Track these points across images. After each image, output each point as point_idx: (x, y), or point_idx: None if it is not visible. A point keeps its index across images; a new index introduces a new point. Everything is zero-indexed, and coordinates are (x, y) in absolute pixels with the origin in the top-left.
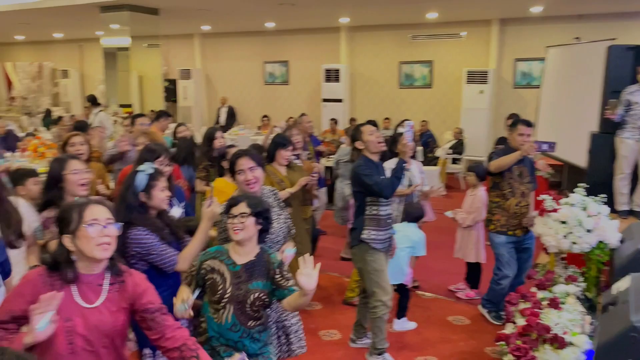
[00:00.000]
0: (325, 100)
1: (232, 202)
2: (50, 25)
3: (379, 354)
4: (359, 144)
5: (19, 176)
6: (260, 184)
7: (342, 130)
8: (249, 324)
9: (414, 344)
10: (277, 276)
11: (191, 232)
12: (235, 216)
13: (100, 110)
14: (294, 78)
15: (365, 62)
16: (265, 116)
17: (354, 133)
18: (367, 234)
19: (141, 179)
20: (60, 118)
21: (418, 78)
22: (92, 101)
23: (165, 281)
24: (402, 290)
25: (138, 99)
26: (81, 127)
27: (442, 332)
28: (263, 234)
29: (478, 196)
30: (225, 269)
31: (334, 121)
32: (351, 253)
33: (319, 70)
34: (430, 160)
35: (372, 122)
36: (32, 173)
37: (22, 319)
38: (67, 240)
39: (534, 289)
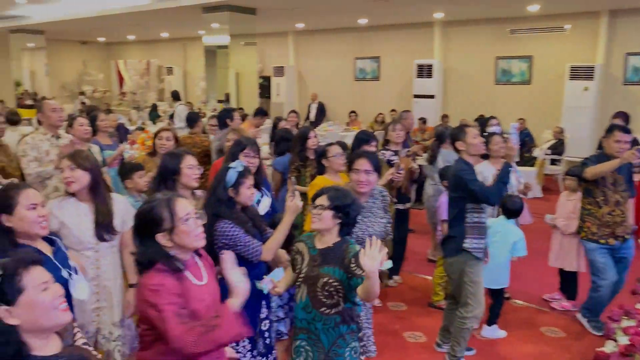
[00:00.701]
0: (417, 96)
1: (318, 193)
2: (158, 25)
3: None
4: (459, 145)
5: (126, 170)
6: (370, 188)
7: (431, 127)
8: (321, 309)
9: (503, 353)
10: (352, 265)
11: (275, 226)
12: (316, 207)
13: (180, 104)
14: (385, 74)
15: (460, 57)
16: (352, 112)
17: (457, 132)
18: (469, 242)
19: (231, 176)
20: (171, 116)
21: (516, 74)
22: (175, 96)
23: (251, 271)
24: (496, 296)
25: (235, 95)
26: (192, 119)
27: (533, 343)
28: (345, 227)
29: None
30: (306, 251)
31: (423, 120)
32: (446, 263)
33: (411, 66)
34: (527, 160)
35: (481, 120)
36: (138, 167)
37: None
38: (162, 238)
39: (639, 306)
